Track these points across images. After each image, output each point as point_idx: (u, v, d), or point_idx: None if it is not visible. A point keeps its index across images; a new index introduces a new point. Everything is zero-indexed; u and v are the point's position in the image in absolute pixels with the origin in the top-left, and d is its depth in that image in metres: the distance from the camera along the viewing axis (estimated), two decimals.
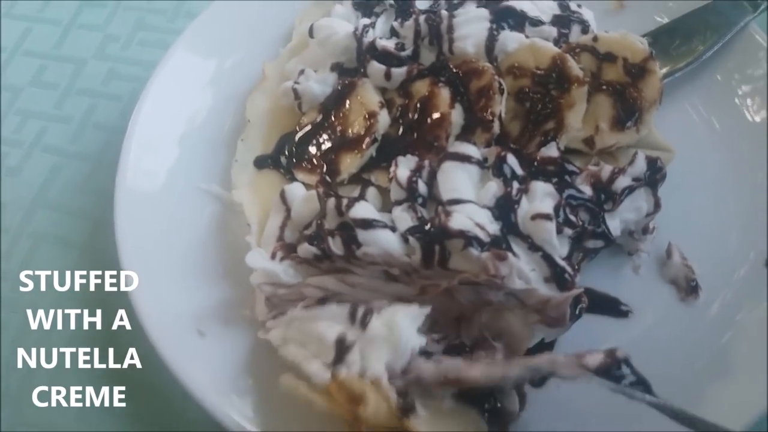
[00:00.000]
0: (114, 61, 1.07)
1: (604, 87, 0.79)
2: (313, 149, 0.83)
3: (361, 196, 0.77)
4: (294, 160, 0.84)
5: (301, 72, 0.88)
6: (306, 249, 0.73)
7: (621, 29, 0.84)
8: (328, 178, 0.80)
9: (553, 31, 0.84)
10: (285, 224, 0.77)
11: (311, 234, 0.74)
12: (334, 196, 0.75)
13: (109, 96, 1.03)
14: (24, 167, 0.97)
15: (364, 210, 0.73)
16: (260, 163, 0.86)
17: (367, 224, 0.71)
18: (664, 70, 0.86)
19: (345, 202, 0.73)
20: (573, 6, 0.87)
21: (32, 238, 0.90)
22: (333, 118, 0.84)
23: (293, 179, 0.83)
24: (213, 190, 0.86)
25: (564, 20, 0.85)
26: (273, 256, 0.74)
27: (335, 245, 0.71)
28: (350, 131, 0.82)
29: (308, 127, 0.85)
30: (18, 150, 0.99)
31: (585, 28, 0.85)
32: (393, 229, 0.72)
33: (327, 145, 0.83)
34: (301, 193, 0.78)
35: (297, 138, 0.85)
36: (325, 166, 0.81)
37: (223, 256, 0.81)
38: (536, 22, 0.84)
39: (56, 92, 1.04)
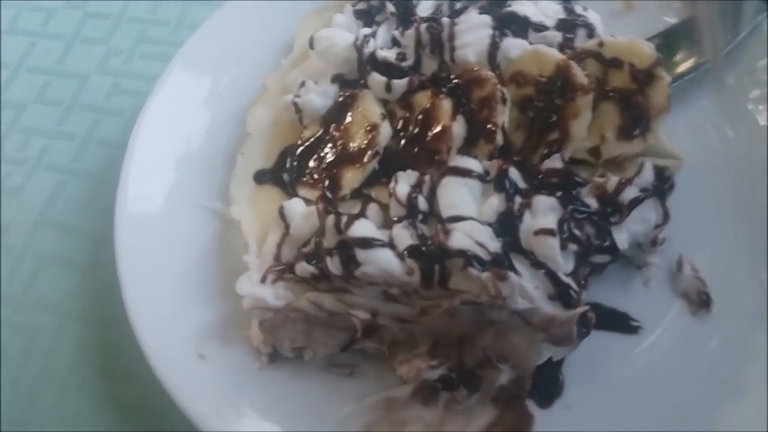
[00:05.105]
0: (116, 75, 1.06)
1: (611, 94, 0.76)
2: (314, 163, 0.81)
3: (362, 213, 0.75)
4: (295, 175, 0.82)
5: (302, 84, 0.86)
6: (304, 268, 0.71)
7: (629, 31, 0.81)
8: (329, 194, 0.78)
9: (558, 36, 0.80)
10: (283, 241, 0.76)
11: (309, 252, 0.73)
12: (334, 213, 0.73)
13: (112, 111, 1.02)
14: (27, 186, 0.97)
15: (363, 228, 0.71)
16: (260, 177, 0.85)
17: (366, 243, 0.69)
18: (673, 74, 0.83)
19: (344, 219, 0.72)
20: (578, 9, 0.83)
21: (35, 260, 0.90)
22: (334, 131, 0.82)
23: (294, 194, 0.81)
24: (214, 206, 0.85)
25: (569, 24, 0.81)
26: (263, 279, 0.73)
27: (333, 265, 0.70)
28: (352, 144, 0.80)
29: (309, 141, 0.84)
30: (21, 168, 0.98)
31: (591, 32, 0.81)
32: (393, 247, 0.70)
33: (329, 159, 0.81)
34: (300, 210, 0.76)
35: (298, 152, 0.83)
36: (326, 180, 0.79)
37: (224, 276, 0.79)
38: (540, 27, 0.81)
39: (59, 108, 1.03)
